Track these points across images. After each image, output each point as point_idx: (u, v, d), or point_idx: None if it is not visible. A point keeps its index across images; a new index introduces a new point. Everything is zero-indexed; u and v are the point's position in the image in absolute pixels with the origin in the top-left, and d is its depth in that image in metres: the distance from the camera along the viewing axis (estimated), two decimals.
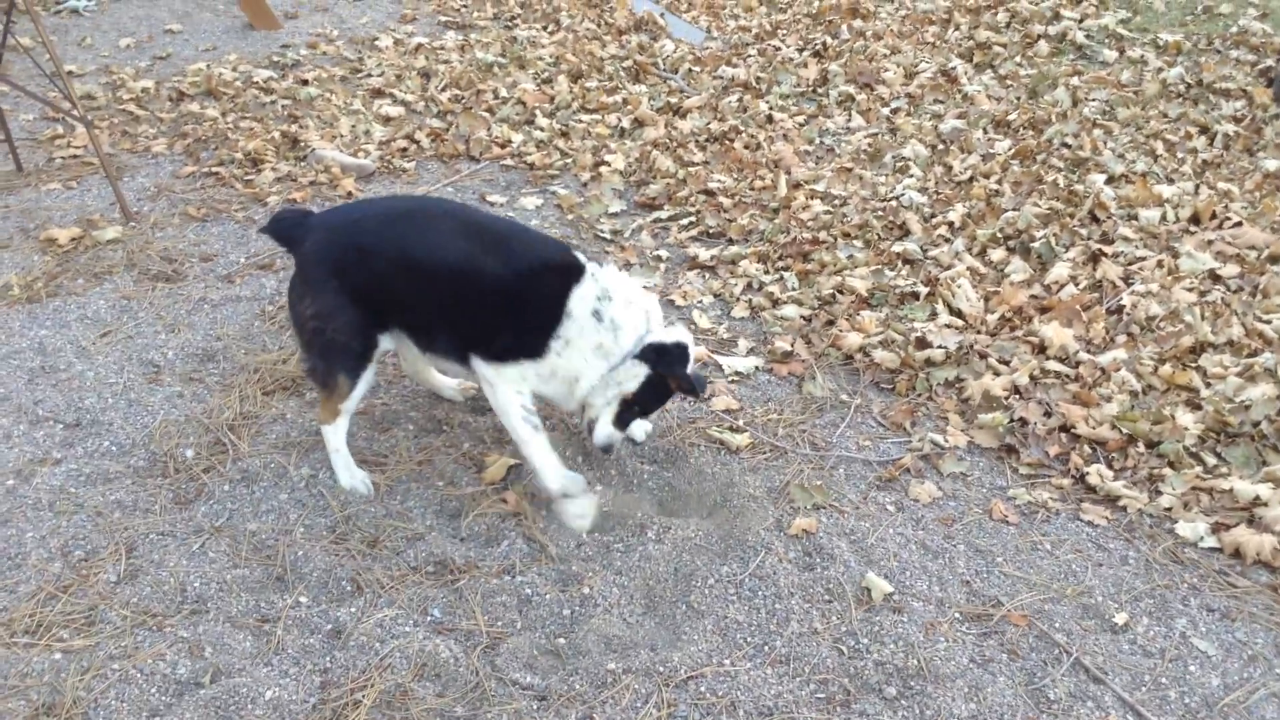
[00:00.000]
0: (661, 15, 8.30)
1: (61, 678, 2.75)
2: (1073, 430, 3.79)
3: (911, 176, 5.58)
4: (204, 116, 6.28)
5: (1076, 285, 4.50)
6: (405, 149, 6.07)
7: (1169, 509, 3.47)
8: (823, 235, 5.03)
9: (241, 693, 2.70)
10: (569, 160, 5.96)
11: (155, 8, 8.27)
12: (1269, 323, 4.18)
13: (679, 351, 3.33)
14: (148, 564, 3.13)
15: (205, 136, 6.04)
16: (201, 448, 3.62)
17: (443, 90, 6.81)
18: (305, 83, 6.82)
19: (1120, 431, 3.73)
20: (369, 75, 7.08)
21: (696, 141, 6.15)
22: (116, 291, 4.50)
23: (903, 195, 5.33)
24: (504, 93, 6.75)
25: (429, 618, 2.99)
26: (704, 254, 4.96)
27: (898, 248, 4.84)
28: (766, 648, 2.93)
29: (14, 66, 6.68)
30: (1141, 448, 3.67)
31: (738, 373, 4.14)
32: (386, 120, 6.41)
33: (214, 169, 5.67)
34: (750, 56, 7.50)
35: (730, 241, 5.13)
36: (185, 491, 3.43)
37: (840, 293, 4.58)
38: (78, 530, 3.25)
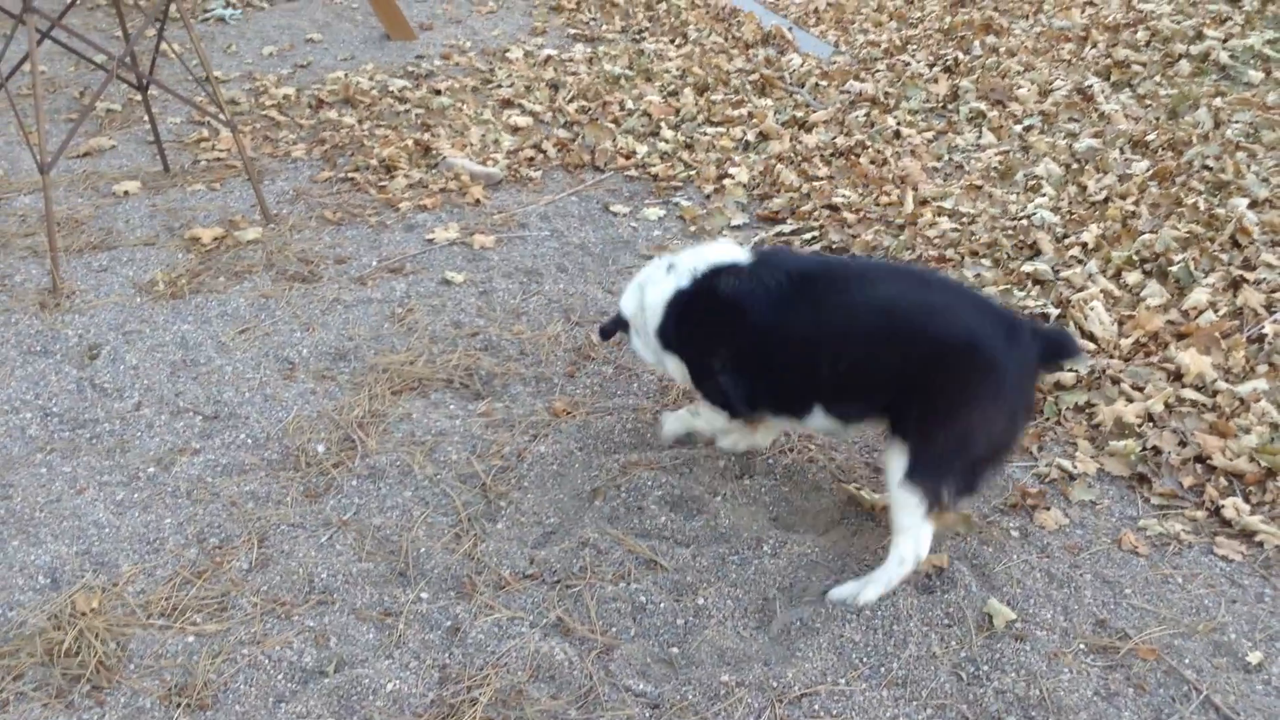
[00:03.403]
0: (789, 30, 8.28)
1: (194, 660, 2.86)
2: (1208, 461, 3.65)
3: (1044, 195, 5.45)
4: (341, 123, 6.47)
5: (1216, 312, 4.34)
6: (532, 158, 6.17)
7: None
8: (950, 253, 4.95)
9: (364, 683, 2.77)
10: (693, 172, 5.99)
11: (297, 17, 8.56)
12: None
13: None
14: (278, 554, 3.23)
15: (342, 143, 6.22)
16: (332, 443, 3.73)
17: (570, 101, 6.91)
18: (438, 92, 6.99)
19: (1259, 464, 3.59)
20: (499, 86, 7.21)
21: (821, 156, 6.11)
22: (255, 290, 4.66)
23: (1034, 214, 5.21)
24: (630, 104, 6.81)
25: (545, 620, 3.02)
26: None
27: (1028, 267, 4.74)
28: (883, 669, 2.89)
29: (164, 71, 6.99)
30: None
31: None
32: (515, 130, 6.52)
33: (350, 174, 5.84)
34: (879, 71, 7.43)
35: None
36: (315, 485, 3.54)
37: None
38: (213, 518, 3.38)
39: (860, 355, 3.09)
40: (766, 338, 3.21)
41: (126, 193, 5.54)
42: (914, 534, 3.05)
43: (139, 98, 5.71)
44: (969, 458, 3.01)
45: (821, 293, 3.16)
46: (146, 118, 5.77)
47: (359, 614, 3.03)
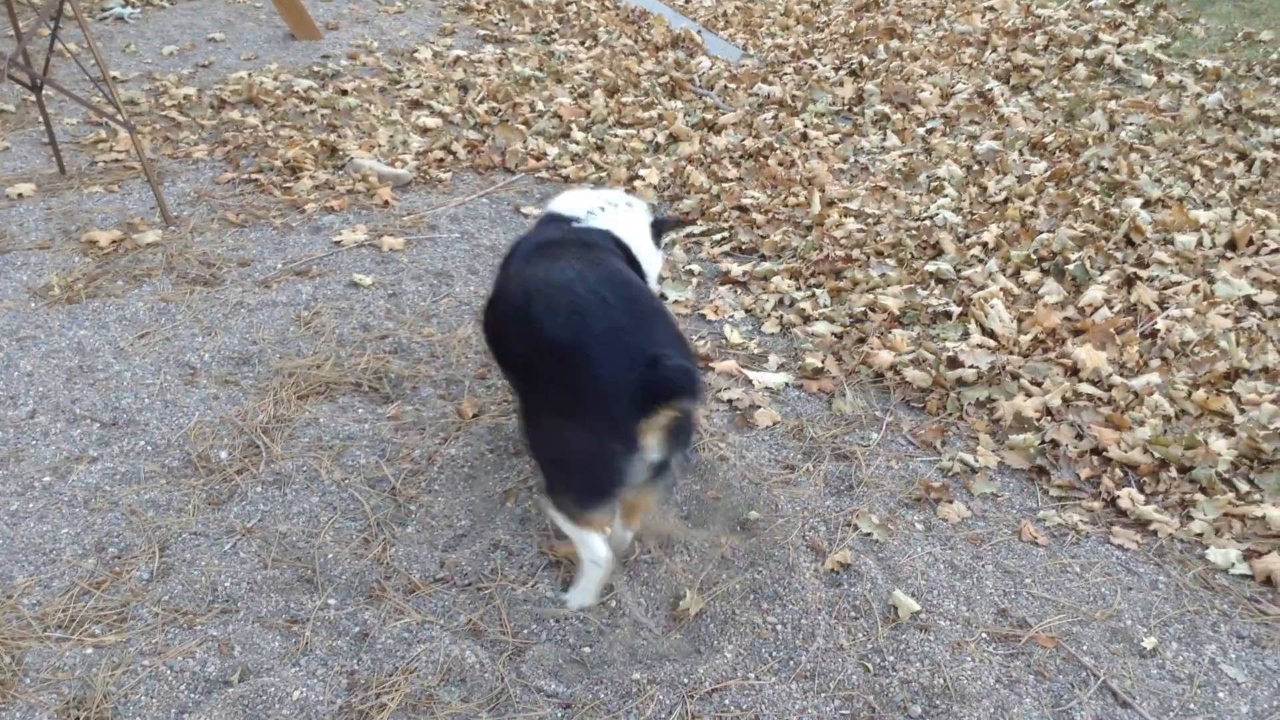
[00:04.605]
0: (699, 32, 8.34)
1: (93, 672, 2.79)
2: (1104, 453, 3.76)
3: (946, 196, 5.57)
4: (244, 124, 6.36)
5: (1111, 308, 4.47)
6: (442, 160, 6.12)
7: (1200, 534, 3.44)
8: (855, 253, 5.03)
9: (269, 692, 2.72)
10: (603, 174, 5.99)
11: (198, 16, 8.38)
12: None
13: None
14: (180, 563, 3.16)
15: (245, 144, 6.11)
16: (235, 449, 3.66)
17: (480, 103, 6.87)
18: (345, 93, 6.90)
19: (1152, 456, 3.71)
20: (407, 87, 7.15)
21: (731, 158, 6.17)
22: (155, 294, 4.56)
23: (937, 215, 5.32)
24: (540, 106, 6.80)
25: (455, 623, 3.00)
26: (736, 269, 4.97)
27: (931, 267, 4.83)
28: (791, 662, 2.93)
29: (59, 71, 6.80)
30: (1174, 472, 3.65)
31: (768, 388, 4.14)
32: (424, 131, 6.47)
33: (253, 176, 5.74)
34: (786, 74, 7.52)
35: (763, 257, 5.14)
36: (218, 492, 3.47)
37: (872, 310, 4.58)
38: (112, 527, 3.29)
39: (501, 323, 3.04)
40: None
41: (20, 195, 5.37)
42: (576, 539, 2.95)
43: (33, 98, 5.55)
44: (561, 466, 2.83)
45: (523, 262, 3.08)
46: (41, 119, 5.60)
47: (264, 622, 2.97)
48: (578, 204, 3.46)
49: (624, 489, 2.76)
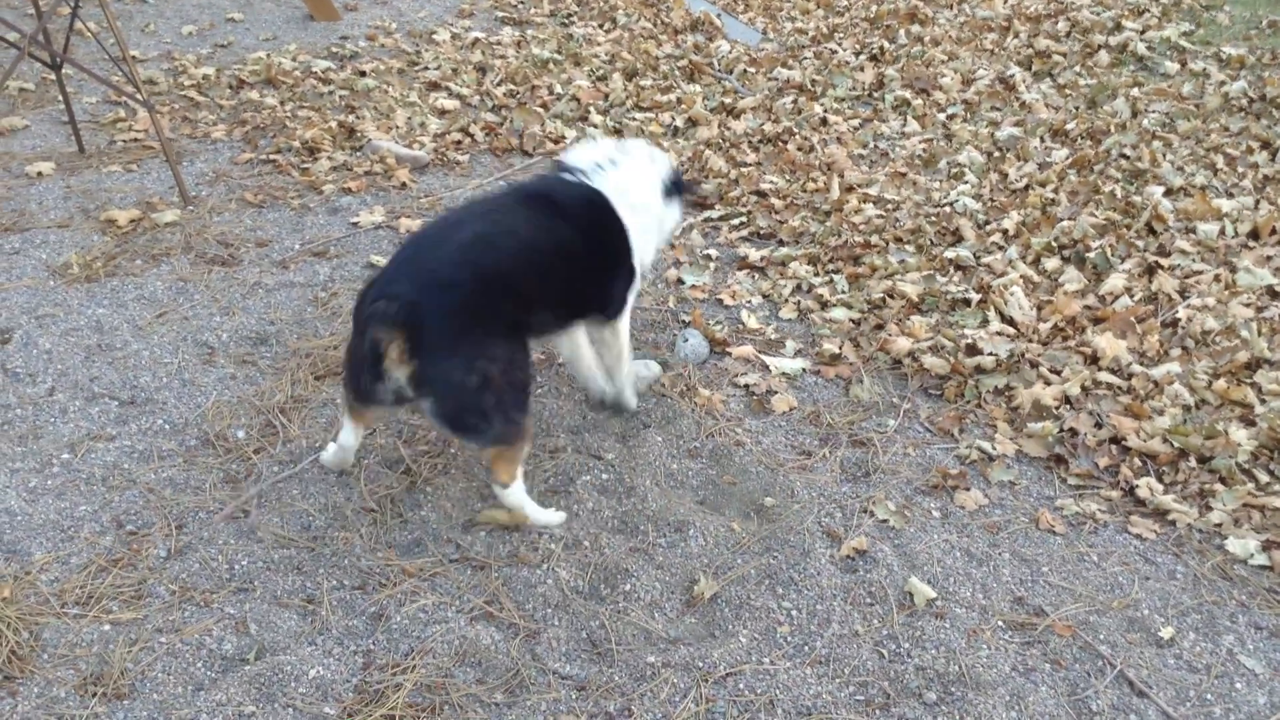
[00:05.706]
0: (718, 16, 8.30)
1: (110, 649, 2.80)
2: (1123, 442, 3.74)
3: (966, 183, 5.54)
4: (263, 104, 6.36)
5: (1131, 297, 4.44)
6: (459, 142, 6.11)
7: (1219, 525, 3.42)
8: (874, 239, 5.00)
9: (286, 670, 2.73)
10: None
11: None
12: None
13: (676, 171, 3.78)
14: (197, 541, 3.17)
15: (264, 124, 6.11)
16: (252, 429, 3.67)
17: (498, 85, 6.85)
18: (363, 74, 6.89)
19: (1172, 445, 3.69)
20: (426, 68, 7.14)
21: (749, 142, 6.14)
22: (173, 273, 4.57)
23: (957, 201, 5.29)
24: (559, 89, 6.78)
25: (470, 605, 3.01)
26: (754, 254, 4.95)
27: (950, 254, 4.81)
28: (806, 648, 2.92)
29: (79, 50, 6.80)
30: (1193, 462, 3.63)
31: (785, 374, 4.13)
32: (442, 113, 6.46)
33: (271, 156, 5.74)
34: (806, 59, 7.48)
35: (781, 243, 5.12)
36: (235, 471, 3.48)
37: (890, 297, 4.56)
38: (129, 505, 3.30)
39: None
40: None
41: (40, 174, 5.39)
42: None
43: (52, 77, 5.55)
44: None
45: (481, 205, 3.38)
46: (61, 97, 5.61)
47: (280, 601, 2.98)
48: (589, 157, 3.54)
49: (370, 398, 3.07)
